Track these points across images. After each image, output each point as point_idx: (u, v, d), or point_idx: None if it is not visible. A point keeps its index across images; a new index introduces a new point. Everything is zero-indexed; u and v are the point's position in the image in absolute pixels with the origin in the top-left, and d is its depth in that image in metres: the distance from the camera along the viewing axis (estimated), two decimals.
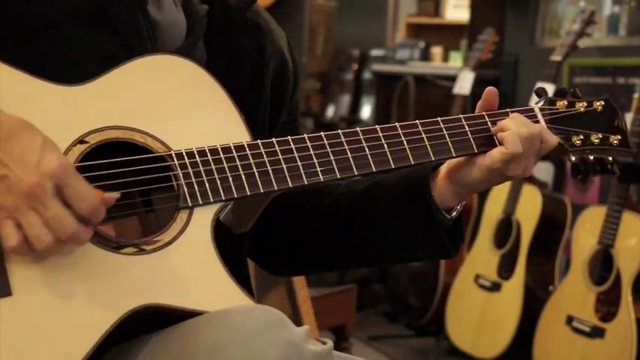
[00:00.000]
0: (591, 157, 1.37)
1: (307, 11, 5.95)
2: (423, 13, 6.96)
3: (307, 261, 1.47)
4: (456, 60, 6.26)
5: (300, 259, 1.46)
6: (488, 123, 1.31)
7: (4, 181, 1.02)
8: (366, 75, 6.35)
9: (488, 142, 1.31)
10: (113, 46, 1.19)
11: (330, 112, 6.45)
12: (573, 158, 1.36)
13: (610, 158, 1.38)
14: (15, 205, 1.02)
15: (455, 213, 1.34)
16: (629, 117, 3.10)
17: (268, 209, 1.35)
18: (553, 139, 1.32)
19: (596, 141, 1.36)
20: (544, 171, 4.03)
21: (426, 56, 6.13)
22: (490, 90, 1.34)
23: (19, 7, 1.17)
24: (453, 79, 4.41)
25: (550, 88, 3.45)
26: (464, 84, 4.17)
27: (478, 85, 4.32)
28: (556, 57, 3.49)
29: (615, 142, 1.37)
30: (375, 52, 6.35)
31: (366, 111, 6.31)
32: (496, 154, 1.28)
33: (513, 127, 1.28)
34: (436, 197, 1.32)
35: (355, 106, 6.42)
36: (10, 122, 1.05)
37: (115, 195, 1.07)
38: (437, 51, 6.44)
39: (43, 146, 1.03)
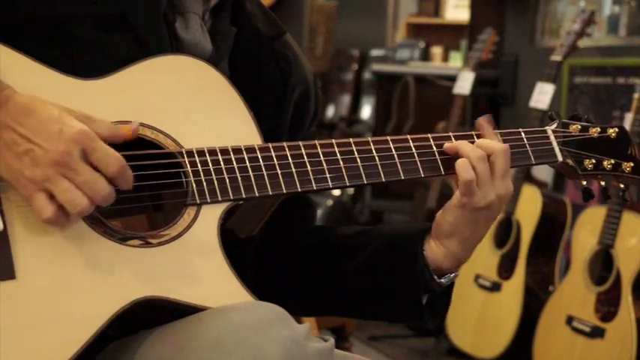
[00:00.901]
0: (602, 183, 1.37)
1: (307, 11, 5.95)
2: (423, 13, 6.97)
3: (284, 300, 1.44)
4: (456, 60, 6.26)
5: (278, 297, 1.44)
6: (434, 147, 1.28)
7: (29, 155, 1.04)
8: (366, 75, 6.35)
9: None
10: (136, 51, 1.20)
11: (330, 112, 6.45)
12: (584, 183, 1.36)
13: (622, 185, 1.38)
14: (45, 176, 1.03)
15: (445, 280, 1.30)
16: (629, 117, 3.10)
17: (259, 242, 1.36)
18: (497, 146, 1.26)
19: (609, 167, 1.36)
20: (544, 171, 4.03)
21: (426, 56, 6.14)
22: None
23: (40, 5, 1.18)
24: (453, 79, 4.41)
25: (550, 88, 3.46)
26: (464, 84, 4.17)
27: (478, 85, 4.32)
28: (556, 57, 3.49)
29: (628, 169, 1.36)
30: (375, 52, 6.36)
31: (366, 111, 6.32)
32: (456, 191, 1.26)
33: (468, 153, 1.26)
34: (428, 255, 1.29)
35: (355, 106, 6.42)
36: (24, 99, 1.07)
37: (136, 123, 1.11)
38: (437, 51, 6.45)
39: (61, 115, 1.05)
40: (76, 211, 1.04)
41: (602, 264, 3.14)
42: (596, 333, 3.07)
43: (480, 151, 1.25)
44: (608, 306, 3.09)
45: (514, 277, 3.57)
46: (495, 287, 3.62)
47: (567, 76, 4.21)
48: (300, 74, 1.40)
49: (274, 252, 1.41)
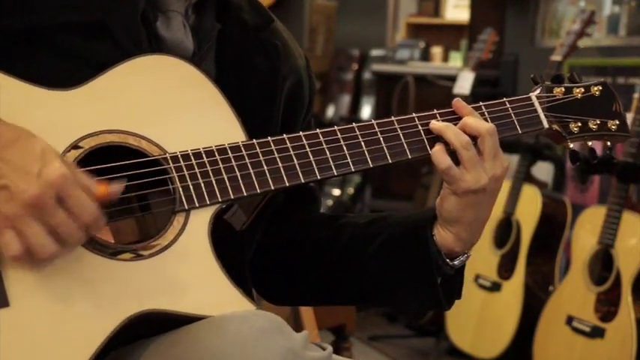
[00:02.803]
0: (589, 143, 1.35)
1: (307, 11, 5.94)
2: (423, 13, 6.97)
3: (299, 291, 1.44)
4: (456, 60, 6.26)
5: (293, 289, 1.44)
6: (419, 127, 1.27)
7: (4, 191, 1.01)
8: (366, 75, 6.35)
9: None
10: (115, 56, 1.18)
11: (330, 112, 6.45)
12: (572, 145, 1.34)
13: (608, 143, 1.36)
14: (16, 215, 1.01)
15: (457, 261, 1.30)
16: (629, 117, 3.10)
17: (268, 236, 1.36)
18: (483, 128, 1.24)
19: (594, 127, 1.34)
20: (544, 171, 4.03)
21: (426, 56, 6.14)
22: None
23: (19, 15, 1.17)
24: (453, 79, 4.40)
25: None
26: (464, 84, 4.16)
27: (478, 85, 4.32)
28: (556, 57, 3.48)
29: (613, 127, 1.35)
30: (375, 52, 6.35)
31: (366, 111, 6.31)
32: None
33: (451, 139, 1.24)
34: (438, 240, 1.28)
35: (355, 106, 6.42)
36: (8, 131, 1.05)
37: (120, 186, 1.07)
38: (437, 51, 6.45)
39: (43, 154, 1.03)
40: (43, 256, 1.02)
41: (602, 264, 3.13)
42: (596, 333, 3.07)
43: (464, 137, 1.24)
44: (608, 306, 3.09)
45: (514, 277, 3.57)
46: (495, 287, 3.62)
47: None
48: (290, 63, 1.38)
49: (283, 245, 1.40)
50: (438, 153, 1.24)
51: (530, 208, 3.58)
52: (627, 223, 3.07)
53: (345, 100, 6.45)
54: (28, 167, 1.02)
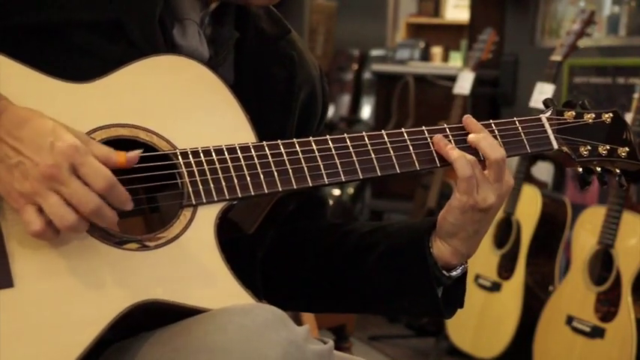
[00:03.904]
0: (598, 169, 1.37)
1: (307, 11, 5.96)
2: (423, 13, 6.97)
3: (300, 297, 1.45)
4: (456, 60, 6.26)
5: (294, 293, 1.45)
6: (429, 139, 1.28)
7: (19, 168, 1.04)
8: (366, 75, 6.36)
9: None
10: (130, 56, 1.20)
11: (330, 112, 6.45)
12: (580, 169, 1.36)
13: (617, 170, 1.38)
14: (34, 190, 1.03)
15: (455, 272, 1.32)
16: (629, 117, 3.10)
17: (276, 240, 1.37)
18: (495, 153, 1.26)
19: (604, 152, 1.36)
20: (544, 171, 4.03)
21: (426, 56, 6.14)
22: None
23: (34, 11, 1.18)
24: (453, 79, 4.40)
25: (550, 88, 3.46)
26: (464, 84, 4.17)
27: (478, 85, 4.32)
28: (556, 57, 3.49)
29: (623, 154, 1.37)
30: (375, 52, 6.36)
31: (366, 111, 6.32)
32: (456, 190, 1.26)
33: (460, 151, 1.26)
34: (435, 253, 1.30)
35: (355, 106, 6.43)
36: (20, 110, 1.07)
37: (138, 153, 1.09)
38: (437, 51, 6.45)
39: (54, 130, 1.05)
40: (63, 226, 1.04)
41: (602, 264, 3.14)
42: (596, 333, 3.07)
43: (469, 156, 1.25)
44: (608, 306, 3.09)
45: (514, 277, 3.57)
46: (495, 287, 3.62)
47: (567, 76, 4.21)
48: (305, 73, 1.40)
49: (289, 251, 1.42)
50: (462, 160, 1.24)
51: (530, 208, 3.58)
52: (627, 223, 3.07)
53: (345, 100, 6.46)
54: (40, 142, 1.04)
